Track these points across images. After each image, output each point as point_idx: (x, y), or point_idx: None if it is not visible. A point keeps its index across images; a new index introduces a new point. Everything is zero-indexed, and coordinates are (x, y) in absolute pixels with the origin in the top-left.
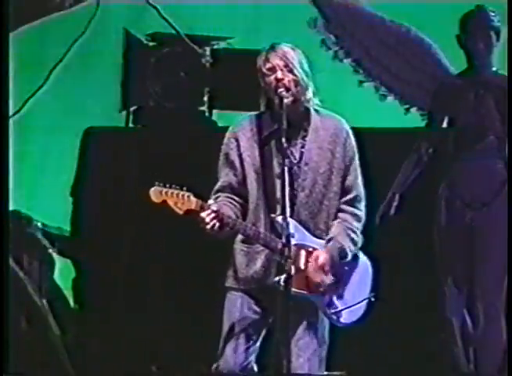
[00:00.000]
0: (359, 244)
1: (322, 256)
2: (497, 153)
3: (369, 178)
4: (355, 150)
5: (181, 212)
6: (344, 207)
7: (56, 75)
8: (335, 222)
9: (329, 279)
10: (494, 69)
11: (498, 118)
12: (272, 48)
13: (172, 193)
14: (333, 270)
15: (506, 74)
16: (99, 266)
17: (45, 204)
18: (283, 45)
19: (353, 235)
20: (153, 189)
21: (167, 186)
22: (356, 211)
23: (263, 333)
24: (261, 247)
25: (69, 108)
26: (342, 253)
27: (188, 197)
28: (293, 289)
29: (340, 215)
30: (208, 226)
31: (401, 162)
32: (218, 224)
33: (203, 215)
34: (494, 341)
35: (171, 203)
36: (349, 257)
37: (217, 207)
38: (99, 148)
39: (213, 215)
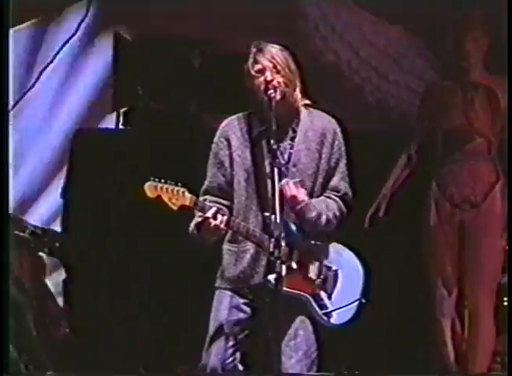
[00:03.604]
0: (334, 224)
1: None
2: (486, 155)
3: (358, 180)
4: (343, 150)
5: (175, 208)
6: (327, 193)
7: (46, 76)
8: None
9: (303, 193)
10: (484, 70)
11: (487, 120)
12: (260, 49)
13: (167, 189)
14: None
15: (507, 74)
16: (88, 267)
17: (35, 206)
18: (271, 46)
19: (330, 204)
20: (148, 183)
21: (162, 181)
22: (338, 200)
23: (249, 333)
24: (248, 246)
25: (59, 109)
26: (315, 211)
27: (183, 192)
28: (286, 288)
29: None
30: (214, 224)
31: (390, 163)
32: (225, 219)
33: (208, 214)
34: (483, 341)
35: (165, 198)
36: (323, 220)
37: (216, 209)
38: (88, 149)
39: (218, 214)
